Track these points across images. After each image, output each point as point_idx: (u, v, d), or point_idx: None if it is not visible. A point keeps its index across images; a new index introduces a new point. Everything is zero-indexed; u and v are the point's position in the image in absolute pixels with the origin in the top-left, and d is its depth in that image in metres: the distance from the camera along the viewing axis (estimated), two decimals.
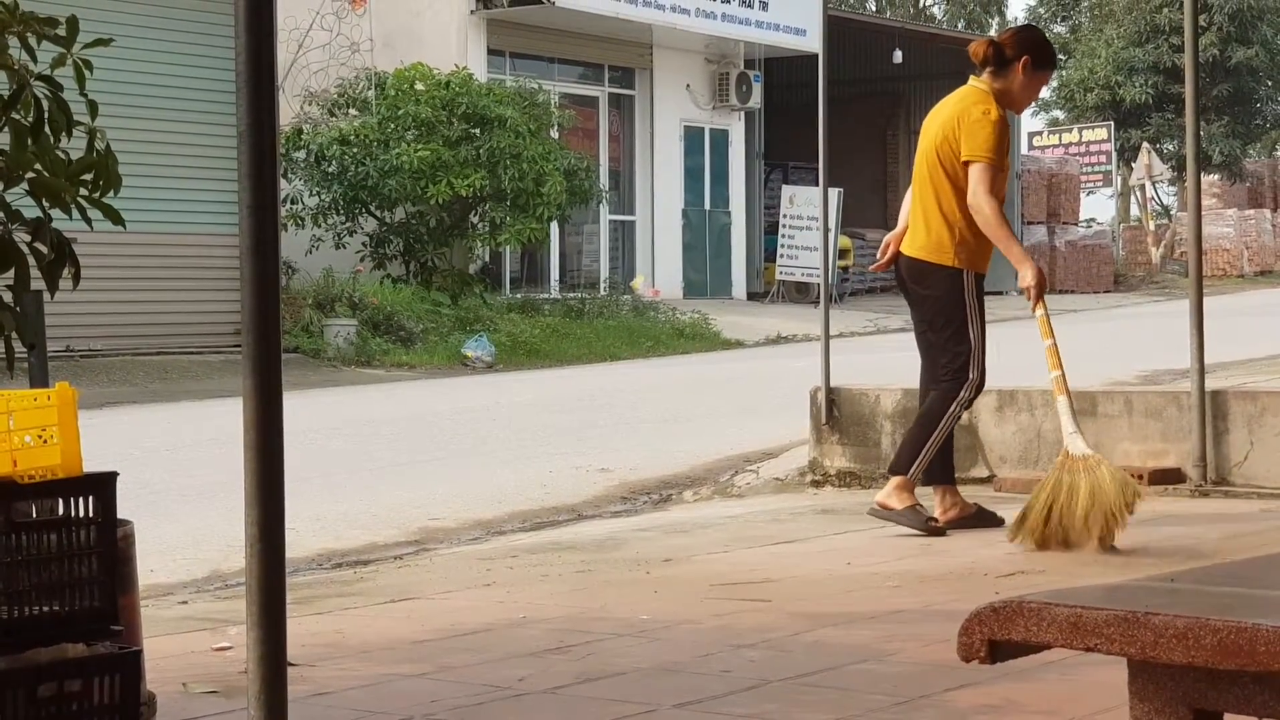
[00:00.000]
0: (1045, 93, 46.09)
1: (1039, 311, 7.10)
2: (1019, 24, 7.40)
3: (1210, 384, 8.19)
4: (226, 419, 10.82)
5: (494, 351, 19.70)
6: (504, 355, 19.82)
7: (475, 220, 22.85)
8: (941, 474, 7.24)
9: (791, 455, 9.71)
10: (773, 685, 4.40)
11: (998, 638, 2.42)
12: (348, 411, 13.85)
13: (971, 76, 7.24)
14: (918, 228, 7.18)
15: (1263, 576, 2.78)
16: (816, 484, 9.04)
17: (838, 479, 9.00)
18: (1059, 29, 48.43)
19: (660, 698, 4.29)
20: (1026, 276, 6.95)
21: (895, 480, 7.15)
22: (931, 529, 7.06)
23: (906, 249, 7.24)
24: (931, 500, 7.26)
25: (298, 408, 12.61)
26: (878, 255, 7.51)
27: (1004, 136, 7.03)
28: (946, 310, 7.12)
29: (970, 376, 7.10)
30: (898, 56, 31.77)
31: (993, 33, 49.42)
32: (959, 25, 53.42)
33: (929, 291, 7.18)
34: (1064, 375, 7.06)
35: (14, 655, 3.26)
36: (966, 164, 6.99)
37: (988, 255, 7.19)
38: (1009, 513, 7.24)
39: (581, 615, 5.49)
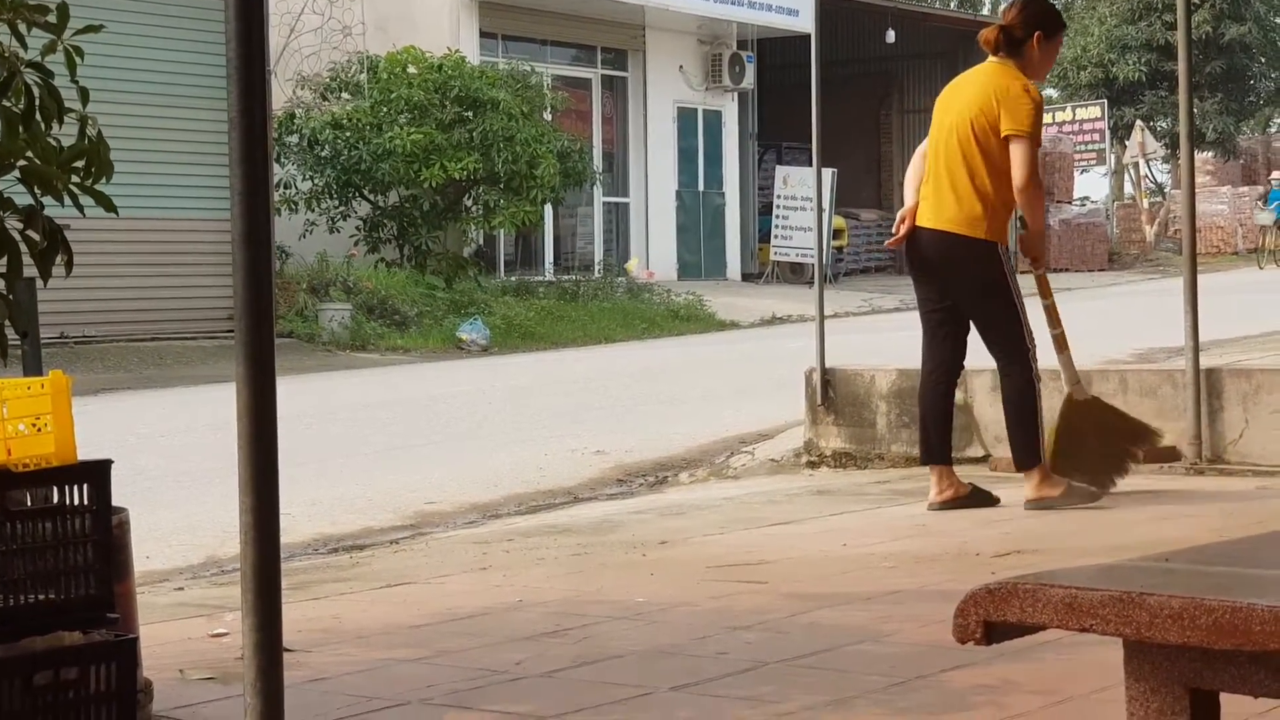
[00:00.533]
0: None
1: (1038, 271, 7.31)
2: (1019, 1, 7.30)
3: (1205, 362, 8.19)
4: (221, 404, 10.82)
5: (489, 334, 19.69)
6: (499, 338, 19.82)
7: (469, 203, 22.84)
8: (940, 454, 7.23)
9: (787, 436, 9.72)
10: (769, 667, 4.41)
11: (993, 619, 2.42)
12: (343, 396, 13.85)
13: (990, 58, 7.20)
14: (945, 201, 7.08)
15: (1258, 555, 2.78)
16: (812, 465, 9.04)
17: (833, 460, 9.00)
18: None
19: (657, 680, 4.29)
20: (1031, 234, 7.23)
21: (1035, 473, 7.07)
22: (1093, 495, 7.10)
23: (931, 222, 7.12)
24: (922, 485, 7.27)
25: (292, 392, 12.60)
26: (894, 230, 7.42)
27: (1041, 114, 7.08)
28: (991, 285, 7.06)
29: (1030, 346, 7.11)
30: (890, 36, 31.75)
31: (985, 12, 49.21)
32: (951, 4, 53.37)
33: (967, 271, 7.09)
34: (1064, 332, 7.30)
35: (10, 644, 3.26)
36: (1006, 139, 6.96)
37: (1007, 226, 7.26)
38: (1005, 492, 7.26)
39: (578, 598, 5.49)
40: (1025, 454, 7.08)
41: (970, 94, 7.12)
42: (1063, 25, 7.37)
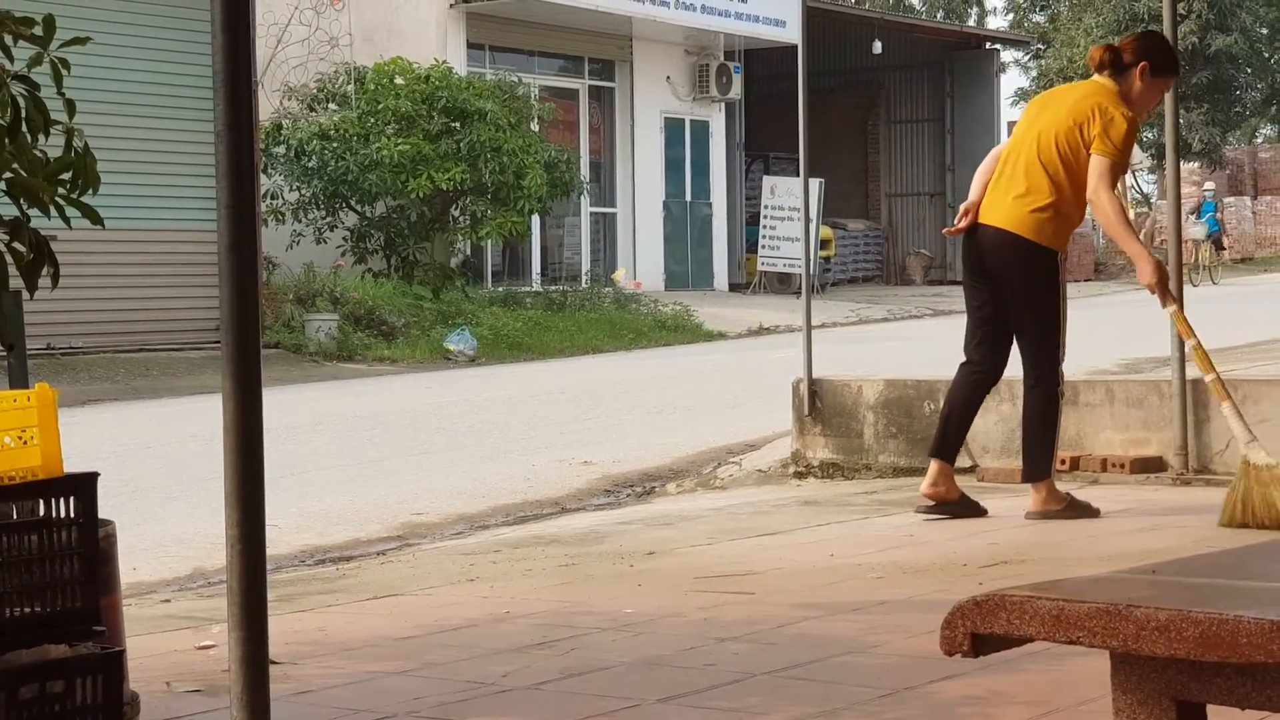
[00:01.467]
0: (1025, 83, 46.18)
1: (1169, 308, 7.10)
2: (1144, 30, 7.25)
3: (1191, 373, 8.20)
4: (208, 415, 10.80)
5: (476, 345, 19.69)
6: (486, 349, 19.81)
7: (456, 214, 22.84)
8: (949, 451, 7.20)
9: (774, 447, 9.72)
10: (757, 678, 4.41)
11: (981, 631, 2.42)
12: (329, 406, 13.83)
13: (1095, 75, 7.17)
14: (1012, 201, 7.01)
15: (1244, 567, 2.78)
16: (799, 475, 9.04)
17: (820, 470, 9.00)
18: (1037, 18, 48.47)
19: (644, 692, 4.29)
20: (1146, 273, 6.87)
21: (1043, 487, 7.04)
22: (1093, 511, 7.01)
23: (995, 220, 7.06)
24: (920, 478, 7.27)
25: (279, 403, 12.59)
26: (954, 221, 7.37)
27: (1133, 141, 6.99)
28: (1042, 294, 7.02)
29: (1060, 357, 7.09)
30: (877, 47, 31.79)
31: (971, 24, 49.38)
32: (938, 16, 53.47)
33: (1022, 274, 7.02)
34: (1220, 378, 6.96)
35: None
36: (1089, 153, 6.89)
37: (1069, 237, 7.18)
38: (992, 503, 7.26)
39: (565, 610, 5.49)
40: (1036, 468, 7.07)
41: (1068, 105, 7.03)
42: (1175, 70, 7.22)
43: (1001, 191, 7.10)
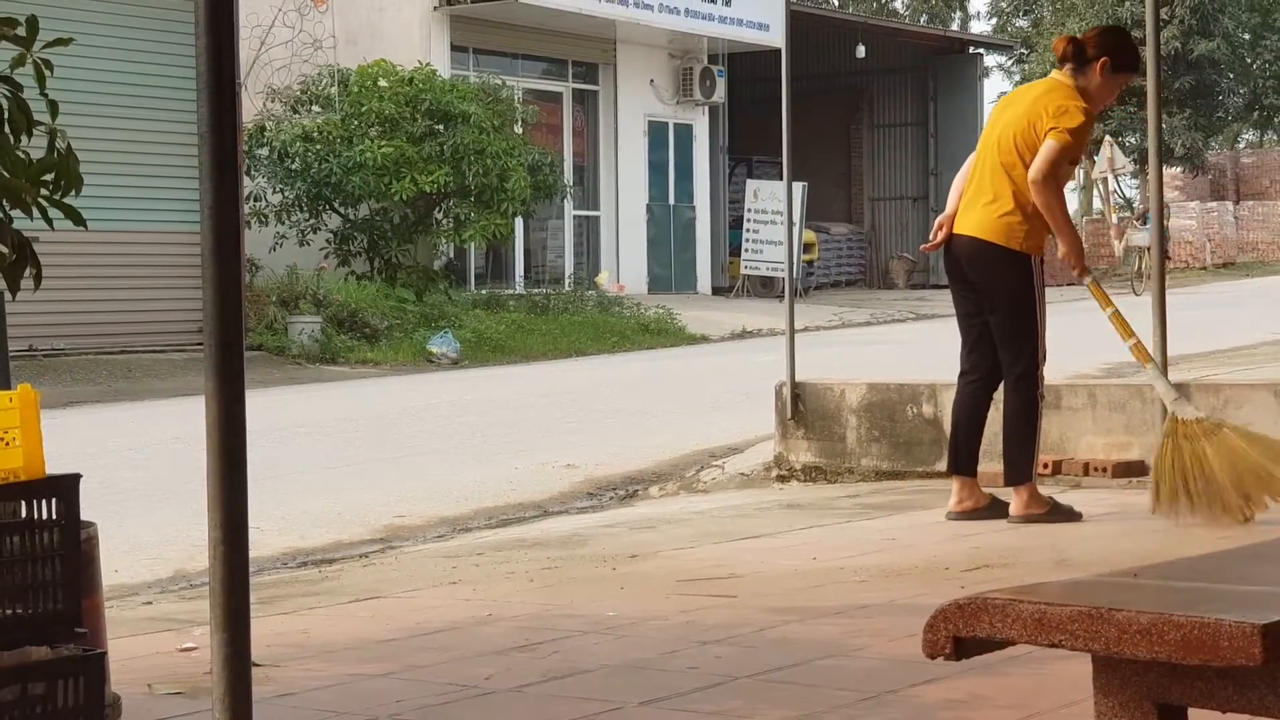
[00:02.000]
0: (1008, 87, 46.24)
1: (1086, 280, 7.15)
2: (1105, 25, 7.32)
3: (1173, 376, 8.21)
4: (190, 418, 10.79)
5: (459, 348, 19.67)
6: (469, 351, 19.80)
7: (440, 216, 22.82)
8: (965, 464, 7.21)
9: (757, 450, 9.72)
10: (739, 681, 4.41)
11: (963, 634, 2.43)
12: (312, 409, 13.82)
13: (1053, 70, 7.21)
14: (983, 209, 7.07)
15: (1226, 571, 2.79)
16: (782, 479, 9.05)
17: (803, 474, 9.01)
18: (1021, 23, 48.56)
19: (627, 695, 4.29)
20: (1062, 246, 7.00)
21: (1024, 490, 7.05)
22: (1076, 515, 7.03)
23: (968, 229, 7.11)
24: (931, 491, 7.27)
25: (262, 406, 12.57)
26: (930, 236, 7.42)
27: (1087, 132, 7.02)
28: (1017, 298, 7.05)
29: (1040, 360, 7.11)
30: (861, 51, 31.83)
31: (954, 28, 49.37)
32: (921, 20, 53.54)
33: (997, 280, 7.07)
34: (1140, 342, 7.06)
35: None
36: (1045, 136, 6.91)
37: (1045, 238, 7.21)
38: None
39: (547, 612, 5.49)
40: (1018, 471, 7.09)
41: (1022, 106, 7.09)
42: (1135, 67, 7.27)
43: (970, 199, 7.16)
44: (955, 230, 7.18)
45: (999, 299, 7.10)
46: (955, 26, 52.39)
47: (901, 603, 5.39)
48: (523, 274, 26.38)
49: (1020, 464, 7.08)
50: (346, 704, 4.29)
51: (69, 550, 3.40)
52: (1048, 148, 6.90)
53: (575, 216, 27.54)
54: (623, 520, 8.00)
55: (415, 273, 22.49)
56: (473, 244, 23.35)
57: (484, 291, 24.18)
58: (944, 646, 2.44)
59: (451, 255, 24.26)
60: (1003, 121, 7.14)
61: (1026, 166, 6.97)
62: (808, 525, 7.42)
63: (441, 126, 21.99)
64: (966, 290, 7.23)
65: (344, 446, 11.21)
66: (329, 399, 14.97)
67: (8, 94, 3.78)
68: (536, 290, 24.72)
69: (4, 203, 3.87)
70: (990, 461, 7.72)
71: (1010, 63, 48.70)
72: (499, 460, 10.24)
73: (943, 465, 8.47)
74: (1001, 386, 7.19)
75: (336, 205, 22.30)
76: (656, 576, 6.14)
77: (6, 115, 3.78)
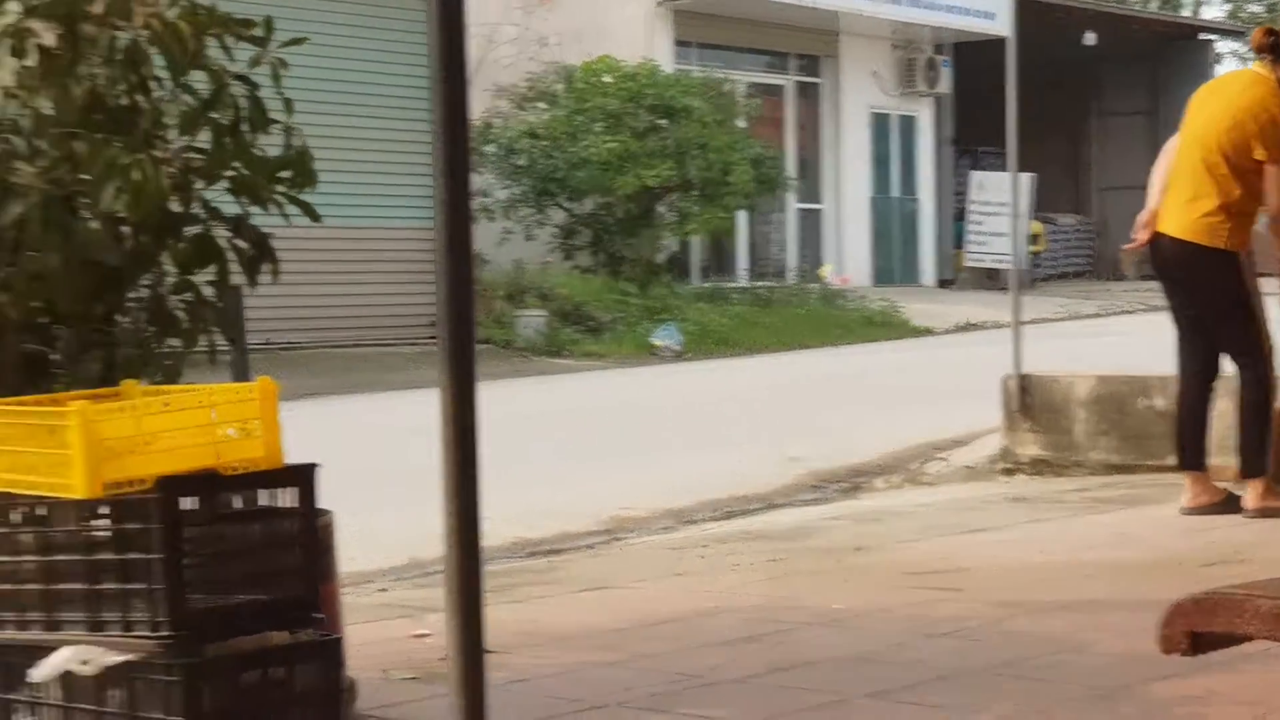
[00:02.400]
0: None
1: None
2: None
3: None
4: (423, 409, 10.95)
5: (682, 340, 19.74)
6: (692, 344, 19.86)
7: (663, 210, 22.92)
8: (1194, 459, 7.09)
9: (982, 443, 9.63)
10: (966, 675, 4.38)
11: (1199, 630, 2.39)
12: (539, 401, 13.97)
13: (1253, 64, 7.07)
14: (1187, 209, 6.97)
15: None
16: (1008, 472, 8.94)
17: (1030, 467, 8.90)
18: (1255, 8, 47.34)
19: (851, 687, 4.28)
20: None
21: (1260, 482, 6.96)
22: None
23: (1171, 230, 7.03)
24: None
25: (490, 398, 12.67)
26: (1133, 235, 7.33)
27: None
28: (1230, 296, 6.97)
29: (1267, 351, 6.99)
30: (1089, 38, 31.26)
31: (1185, 14, 48.26)
32: (1152, 6, 52.48)
33: (1205, 280, 6.99)
34: None
35: (218, 643, 3.33)
36: (1260, 162, 6.83)
37: (1250, 234, 7.09)
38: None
39: (772, 604, 5.49)
40: (1252, 464, 6.97)
41: (1222, 105, 6.96)
42: None
43: (1173, 197, 7.05)
44: (1159, 228, 7.10)
45: (1211, 299, 7.00)
46: (1187, 13, 51.29)
47: (1132, 598, 5.30)
48: (746, 267, 26.38)
49: (1254, 457, 6.93)
50: (577, 691, 4.34)
51: (306, 537, 3.47)
52: (1274, 175, 6.79)
53: (798, 209, 27.46)
54: (847, 513, 7.98)
55: (639, 266, 22.61)
56: (696, 238, 23.41)
57: (707, 285, 24.23)
58: (1180, 643, 2.41)
59: (675, 249, 24.35)
60: (1203, 117, 6.99)
61: (1231, 166, 6.86)
62: (1035, 519, 7.33)
63: (665, 121, 22.07)
64: (1174, 285, 7.14)
65: (569, 438, 11.31)
66: (554, 391, 15.12)
67: (245, 93, 3.89)
68: (759, 283, 24.70)
69: (242, 199, 3.98)
70: (1225, 455, 7.56)
71: (1244, 49, 47.54)
72: (723, 452, 10.26)
73: (1175, 459, 8.32)
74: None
75: (561, 200, 22.51)
76: (882, 569, 6.12)
77: (244, 113, 3.88)
